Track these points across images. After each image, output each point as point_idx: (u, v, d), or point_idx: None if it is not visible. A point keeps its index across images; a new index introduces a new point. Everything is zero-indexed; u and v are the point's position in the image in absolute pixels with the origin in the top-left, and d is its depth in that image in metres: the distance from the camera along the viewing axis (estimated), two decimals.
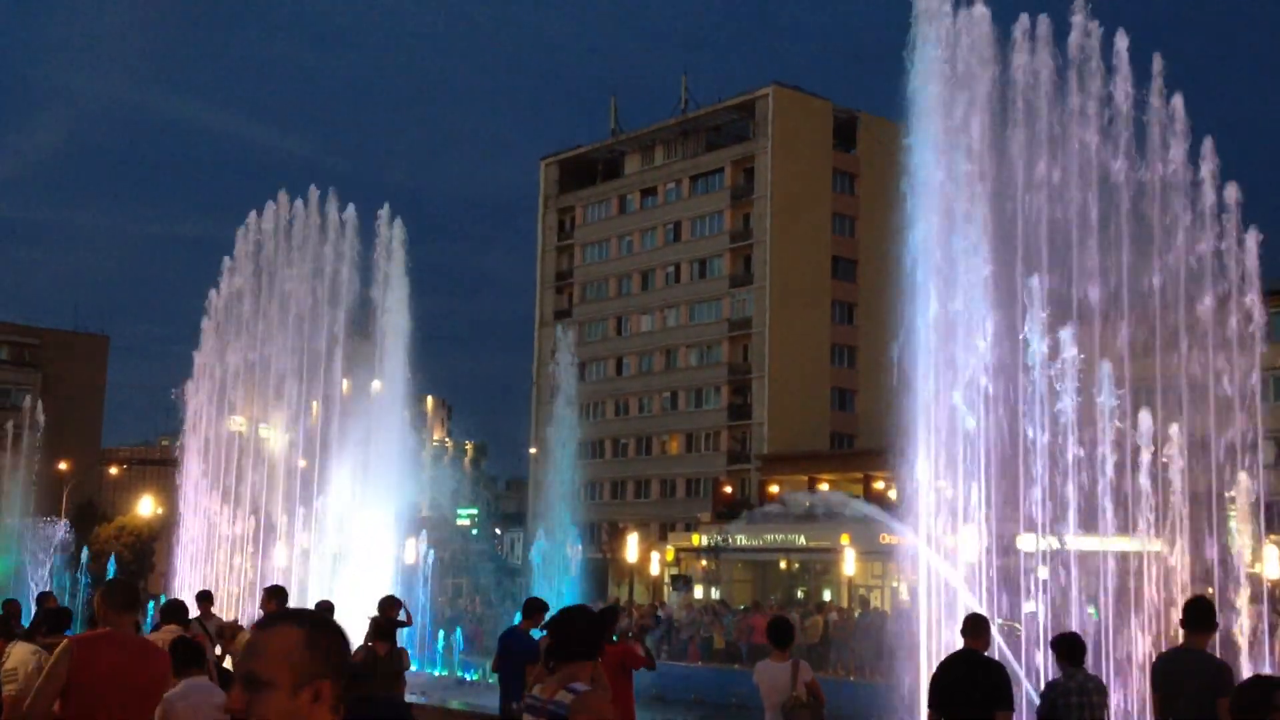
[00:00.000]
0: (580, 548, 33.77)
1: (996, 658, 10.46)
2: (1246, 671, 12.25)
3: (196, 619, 15.78)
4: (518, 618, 14.36)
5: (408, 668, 13.49)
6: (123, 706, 6.82)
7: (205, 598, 16.68)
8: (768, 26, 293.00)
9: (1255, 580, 14.46)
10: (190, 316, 28.82)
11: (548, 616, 14.05)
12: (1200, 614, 9.17)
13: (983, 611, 11.56)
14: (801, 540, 58.42)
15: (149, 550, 50.95)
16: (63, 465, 72.84)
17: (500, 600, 40.85)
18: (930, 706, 9.40)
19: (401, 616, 15.21)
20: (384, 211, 28.06)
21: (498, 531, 55.73)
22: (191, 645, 7.75)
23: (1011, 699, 9.42)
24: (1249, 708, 5.24)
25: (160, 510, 55.15)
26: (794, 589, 57.69)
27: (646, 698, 12.79)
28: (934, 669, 9.86)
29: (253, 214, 28.92)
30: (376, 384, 27.49)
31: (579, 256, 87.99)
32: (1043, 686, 10.75)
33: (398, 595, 17.24)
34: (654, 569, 59.22)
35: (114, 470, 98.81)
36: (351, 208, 27.76)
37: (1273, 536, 14.70)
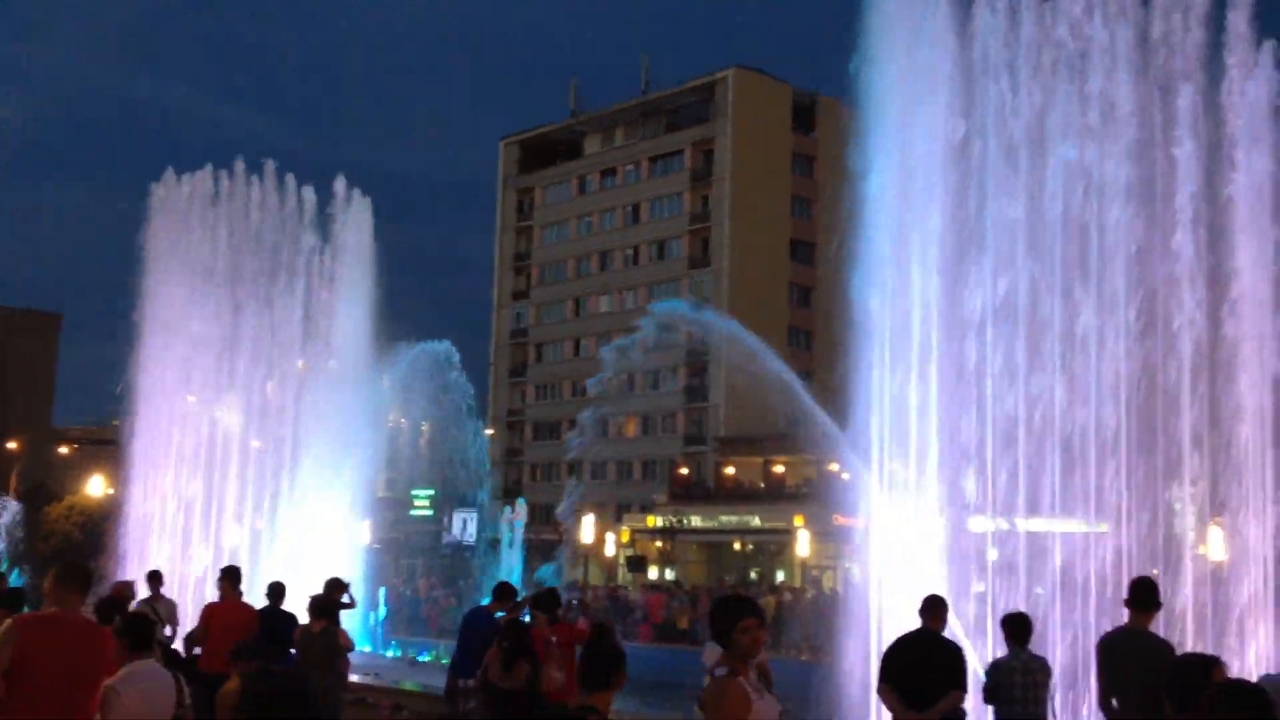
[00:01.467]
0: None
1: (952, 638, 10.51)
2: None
3: (145, 600, 15.61)
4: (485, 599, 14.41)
5: (350, 648, 13.43)
6: (67, 688, 6.75)
7: (155, 578, 16.34)
8: (729, 8, 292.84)
9: (1200, 561, 14.61)
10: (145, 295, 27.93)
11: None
12: (1144, 594, 9.27)
13: (939, 592, 11.62)
14: (756, 521, 58.70)
15: (100, 530, 50.36)
16: (12, 445, 71.98)
17: (452, 581, 40.74)
18: (882, 680, 9.45)
19: (345, 599, 15.13)
20: (340, 183, 27.62)
21: (443, 520, 55.52)
22: (141, 627, 7.21)
23: (965, 679, 9.48)
24: (1187, 688, 5.31)
25: (111, 490, 54.51)
26: (748, 570, 57.97)
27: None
28: (887, 646, 9.91)
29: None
30: (333, 364, 27.25)
31: (538, 237, 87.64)
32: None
33: (350, 577, 17.18)
34: (609, 550, 59.24)
35: (64, 450, 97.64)
36: (310, 188, 27.44)
37: (1217, 519, 14.86)
